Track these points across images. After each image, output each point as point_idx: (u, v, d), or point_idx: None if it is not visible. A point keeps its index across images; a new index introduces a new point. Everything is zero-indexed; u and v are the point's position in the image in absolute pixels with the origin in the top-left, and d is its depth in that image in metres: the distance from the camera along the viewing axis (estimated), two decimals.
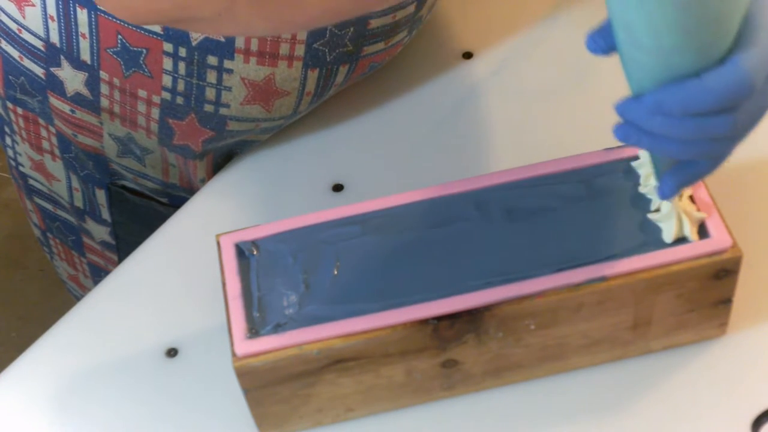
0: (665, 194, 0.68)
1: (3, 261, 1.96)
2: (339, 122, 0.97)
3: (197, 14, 0.65)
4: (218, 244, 0.76)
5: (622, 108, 0.63)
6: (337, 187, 0.92)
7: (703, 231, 0.73)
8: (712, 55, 0.60)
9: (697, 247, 0.72)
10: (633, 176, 0.76)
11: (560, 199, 0.75)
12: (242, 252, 0.76)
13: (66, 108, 0.93)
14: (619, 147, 0.77)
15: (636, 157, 0.77)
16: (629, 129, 0.64)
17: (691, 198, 0.74)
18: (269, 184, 0.93)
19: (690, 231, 0.72)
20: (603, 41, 0.63)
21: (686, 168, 0.67)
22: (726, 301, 0.76)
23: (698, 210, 0.73)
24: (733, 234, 0.73)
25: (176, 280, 0.87)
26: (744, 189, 0.86)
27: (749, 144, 0.90)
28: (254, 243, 0.76)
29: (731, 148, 0.65)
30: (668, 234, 0.72)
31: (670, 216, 0.72)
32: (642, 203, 0.74)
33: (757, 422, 0.74)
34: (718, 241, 0.72)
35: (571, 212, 0.74)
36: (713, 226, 0.73)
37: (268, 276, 0.74)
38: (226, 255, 0.76)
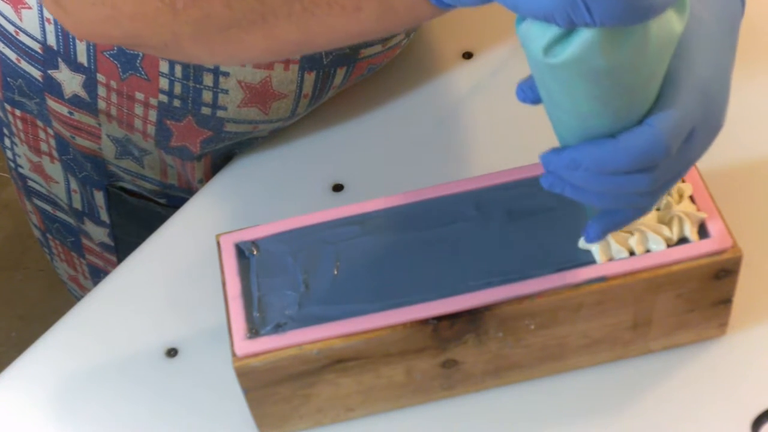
0: (590, 239, 0.68)
1: (3, 261, 1.96)
2: (339, 122, 0.97)
3: (146, 42, 0.66)
4: (218, 244, 0.76)
5: (544, 160, 0.64)
6: (337, 187, 0.91)
7: (703, 231, 0.73)
8: (631, 117, 0.61)
9: (697, 247, 0.72)
10: None
11: (560, 199, 0.75)
12: (242, 252, 0.76)
13: (64, 110, 0.93)
14: None
15: None
16: (554, 179, 0.65)
17: (691, 198, 0.74)
18: (269, 184, 0.93)
19: (690, 231, 0.72)
20: (531, 92, 0.64)
21: (611, 215, 0.67)
22: (726, 301, 0.76)
23: (698, 210, 0.73)
24: (733, 234, 0.73)
25: (176, 280, 0.87)
26: (744, 189, 0.86)
27: (749, 144, 0.90)
28: (254, 243, 0.76)
29: (656, 200, 0.66)
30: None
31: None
32: None
33: (757, 422, 0.74)
34: (718, 241, 0.72)
35: (571, 212, 0.74)
36: (713, 226, 0.73)
37: (268, 276, 0.74)
38: (226, 255, 0.76)
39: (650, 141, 0.60)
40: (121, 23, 0.64)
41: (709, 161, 0.85)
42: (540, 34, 0.56)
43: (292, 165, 0.94)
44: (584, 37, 0.55)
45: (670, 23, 0.57)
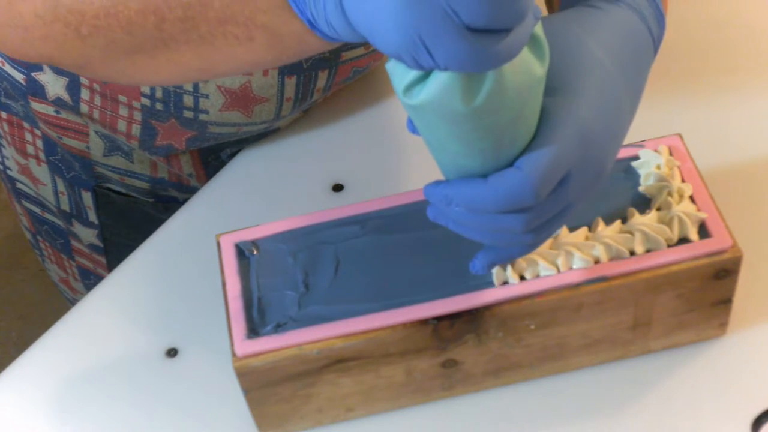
0: (476, 270, 0.68)
1: (3, 261, 1.96)
2: (339, 122, 0.97)
3: (61, 63, 0.68)
4: (218, 244, 0.77)
5: (426, 191, 0.64)
6: (337, 187, 0.92)
7: (703, 231, 0.73)
8: (502, 157, 0.60)
9: (697, 247, 0.72)
10: (633, 175, 0.76)
11: None
12: (242, 252, 0.76)
13: (50, 110, 0.93)
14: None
15: (636, 157, 0.77)
16: (437, 211, 0.65)
17: (691, 198, 0.74)
18: (269, 183, 0.93)
19: (690, 231, 0.72)
20: None
21: (498, 250, 0.67)
22: (726, 301, 0.76)
23: (698, 210, 0.73)
24: (733, 234, 0.73)
25: (176, 280, 0.87)
26: (744, 189, 0.86)
27: (749, 144, 0.90)
28: (254, 243, 0.76)
29: (542, 237, 0.64)
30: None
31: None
32: (642, 203, 0.74)
33: (757, 422, 0.74)
34: (718, 241, 0.72)
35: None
36: (713, 226, 0.73)
37: (268, 276, 0.74)
38: (226, 255, 0.76)
39: (517, 184, 0.59)
40: (35, 45, 0.66)
41: (709, 161, 0.85)
42: (402, 73, 0.56)
43: (292, 165, 0.94)
44: (440, 79, 0.55)
45: (529, 67, 0.56)
